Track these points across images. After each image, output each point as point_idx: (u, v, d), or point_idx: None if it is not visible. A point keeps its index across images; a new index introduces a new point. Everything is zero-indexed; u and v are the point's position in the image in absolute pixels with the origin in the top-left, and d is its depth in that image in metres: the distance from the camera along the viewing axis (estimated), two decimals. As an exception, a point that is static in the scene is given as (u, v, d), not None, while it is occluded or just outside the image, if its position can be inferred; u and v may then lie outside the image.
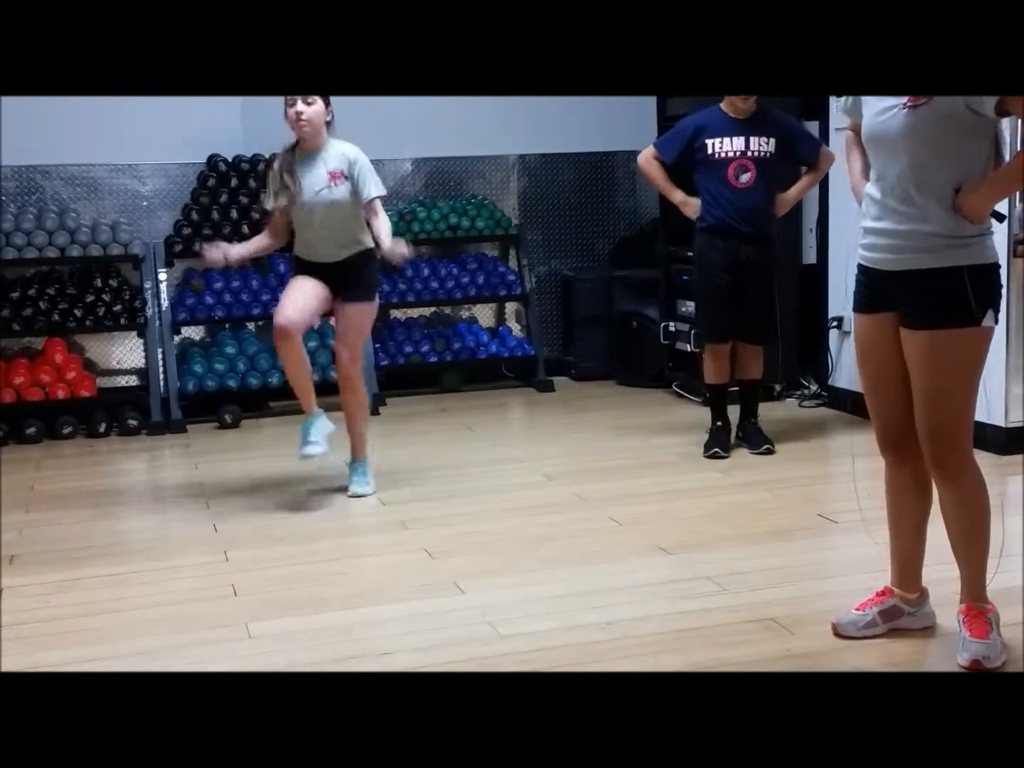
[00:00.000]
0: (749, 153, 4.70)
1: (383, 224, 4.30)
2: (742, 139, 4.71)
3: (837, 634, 2.91)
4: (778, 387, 5.85)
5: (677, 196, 4.92)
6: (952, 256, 2.55)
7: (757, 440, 4.86)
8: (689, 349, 6.01)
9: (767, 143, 4.70)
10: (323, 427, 4.40)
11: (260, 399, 6.19)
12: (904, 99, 2.53)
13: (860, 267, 2.75)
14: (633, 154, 7.09)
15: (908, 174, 2.57)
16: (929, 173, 2.55)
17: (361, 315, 4.40)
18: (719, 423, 4.93)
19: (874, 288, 2.70)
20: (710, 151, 4.73)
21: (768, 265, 4.80)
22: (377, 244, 4.50)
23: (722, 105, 4.76)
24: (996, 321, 2.60)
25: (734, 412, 5.00)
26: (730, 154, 4.71)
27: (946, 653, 2.76)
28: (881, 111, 2.59)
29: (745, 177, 4.70)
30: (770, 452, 4.81)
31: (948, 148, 2.52)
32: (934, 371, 2.58)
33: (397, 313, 6.70)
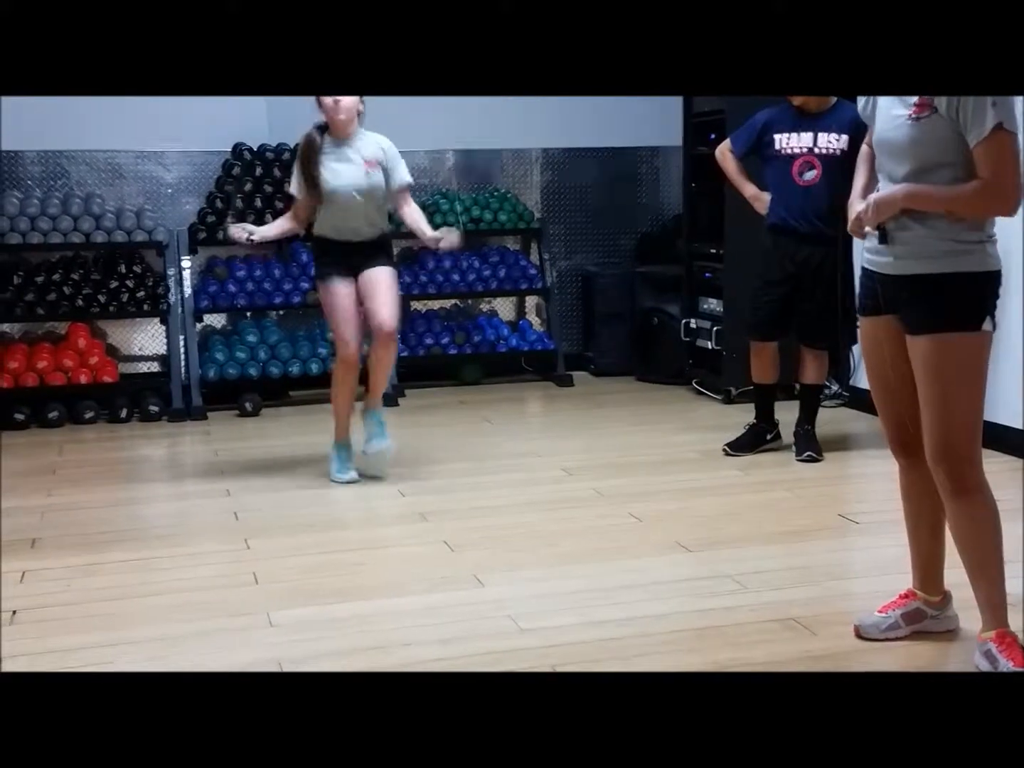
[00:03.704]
0: (816, 150, 4.57)
1: (417, 212, 4.46)
2: (810, 135, 4.58)
3: (859, 636, 2.90)
4: (798, 386, 5.83)
5: (748, 190, 4.80)
6: (953, 262, 2.54)
7: (802, 446, 4.74)
8: (710, 347, 6.00)
9: (838, 140, 4.54)
10: (352, 453, 4.54)
11: (280, 388, 6.21)
12: (911, 110, 2.53)
13: (864, 270, 2.75)
14: (657, 150, 7.12)
15: (911, 181, 2.57)
16: (931, 181, 2.54)
17: (390, 275, 4.44)
18: (753, 422, 4.88)
19: (877, 291, 2.69)
20: (777, 146, 4.63)
21: (831, 267, 4.61)
22: (404, 231, 4.54)
23: (793, 100, 4.62)
24: (993, 327, 2.60)
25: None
26: (796, 150, 4.60)
27: (969, 656, 2.74)
28: (890, 119, 2.60)
29: (810, 175, 4.58)
30: (813, 460, 4.68)
31: (949, 158, 2.52)
32: (938, 378, 2.56)
33: (418, 305, 6.71)
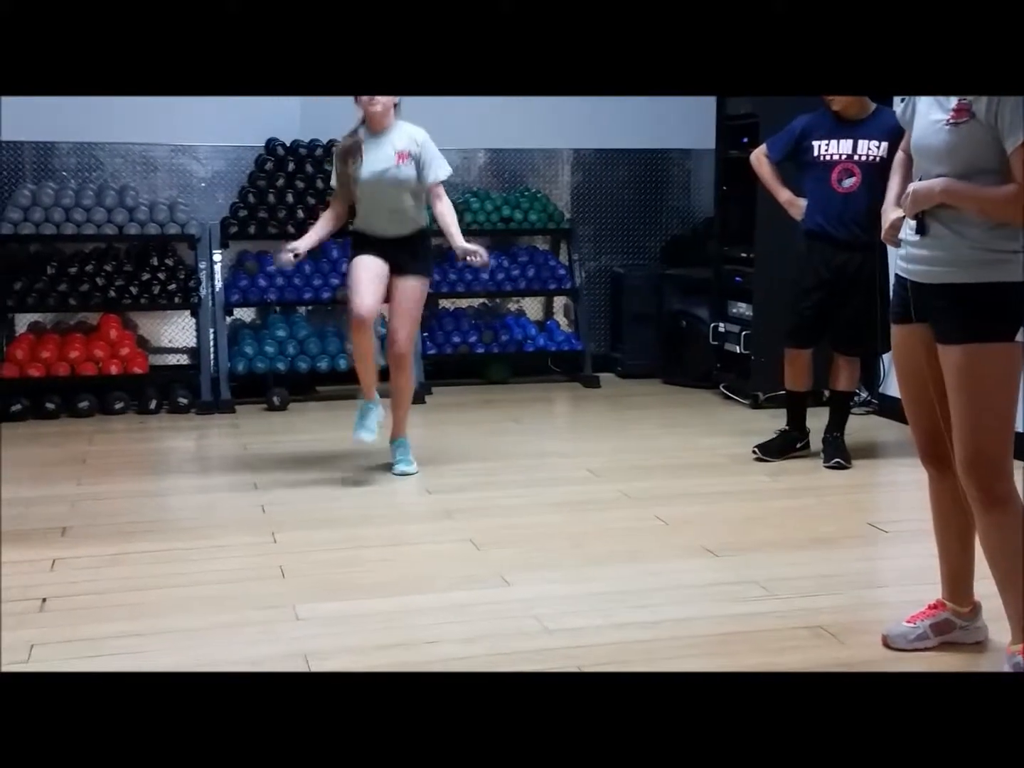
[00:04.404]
0: (856, 157, 4.53)
1: (449, 212, 4.44)
2: (850, 142, 4.54)
3: (887, 646, 2.88)
4: (827, 392, 5.80)
5: (783, 195, 4.74)
6: (987, 272, 2.52)
7: (830, 453, 4.71)
8: (738, 351, 5.98)
9: (877, 147, 4.50)
10: (378, 414, 4.51)
11: (308, 383, 6.24)
12: (949, 115, 2.52)
13: (897, 277, 2.74)
14: (689, 152, 7.10)
15: None
16: None
17: (416, 291, 4.47)
18: (785, 428, 4.86)
19: (910, 299, 2.68)
20: (816, 152, 4.59)
21: (868, 273, 4.57)
22: (436, 229, 4.53)
23: (833, 106, 4.57)
24: None
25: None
26: (835, 157, 4.56)
27: (997, 668, 2.72)
28: (928, 124, 2.59)
29: (849, 182, 4.53)
30: (841, 467, 4.66)
31: (987, 165, 2.50)
32: (970, 388, 2.55)
33: (446, 303, 6.72)
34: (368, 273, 4.38)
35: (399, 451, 4.60)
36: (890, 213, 2.73)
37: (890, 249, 3.22)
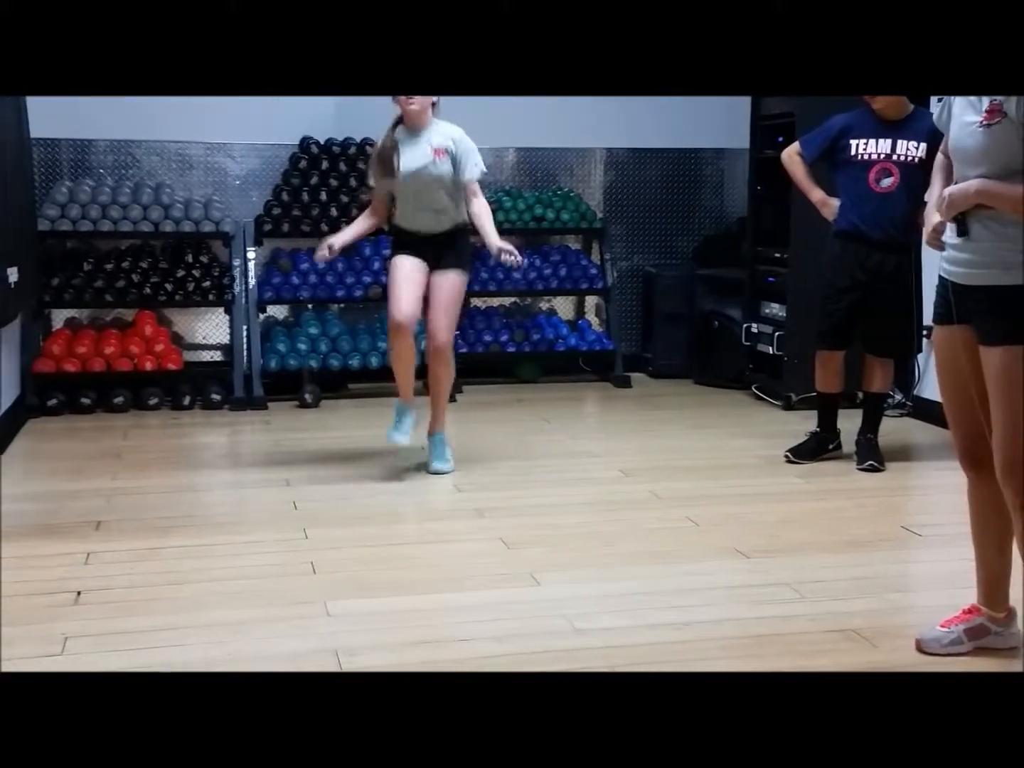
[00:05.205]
0: (895, 157, 4.49)
1: (484, 211, 4.44)
2: (889, 141, 4.49)
3: (920, 650, 2.85)
4: (860, 394, 5.75)
5: (816, 195, 4.69)
6: None
7: (864, 455, 4.68)
8: (771, 352, 5.95)
9: (916, 148, 4.46)
10: (412, 417, 4.54)
11: (339, 380, 6.27)
12: (982, 116, 2.51)
13: (940, 279, 2.73)
14: (723, 151, 7.06)
15: None
16: None
17: (455, 284, 4.47)
18: (816, 431, 4.82)
19: (953, 301, 2.66)
20: (853, 151, 4.54)
21: (904, 275, 4.52)
22: (474, 226, 4.55)
23: (873, 105, 4.52)
24: None
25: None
26: (874, 156, 4.51)
27: (1033, 676, 2.69)
28: (963, 126, 2.58)
29: (887, 182, 4.49)
30: (875, 470, 4.62)
31: (1020, 166, 2.47)
32: (1010, 390, 2.52)
33: (477, 302, 6.73)
34: (407, 278, 4.40)
35: (436, 448, 4.60)
36: (932, 217, 2.71)
37: (925, 250, 3.20)
